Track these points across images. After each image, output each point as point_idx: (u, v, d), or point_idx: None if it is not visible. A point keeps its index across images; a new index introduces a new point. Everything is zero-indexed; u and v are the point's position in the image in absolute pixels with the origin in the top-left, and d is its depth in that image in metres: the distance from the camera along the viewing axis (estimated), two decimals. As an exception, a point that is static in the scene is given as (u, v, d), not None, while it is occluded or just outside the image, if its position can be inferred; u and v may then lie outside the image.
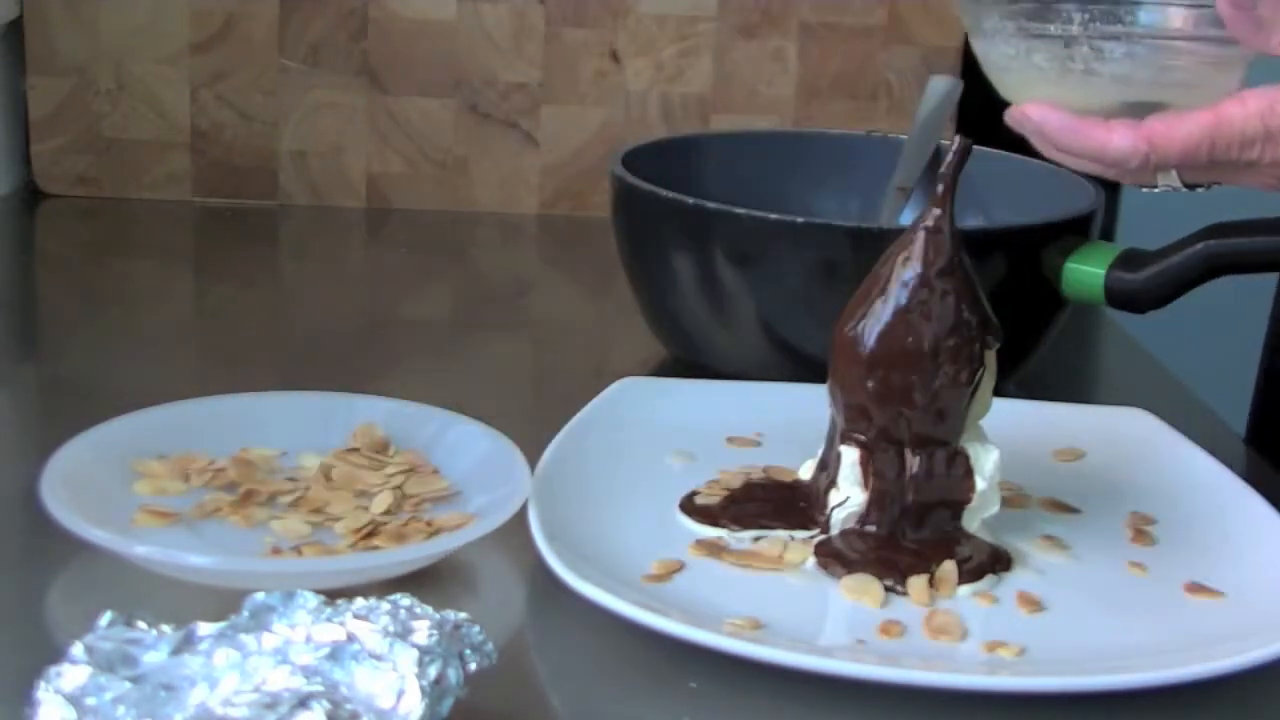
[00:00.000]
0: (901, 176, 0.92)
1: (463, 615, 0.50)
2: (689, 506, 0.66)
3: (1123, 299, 0.77)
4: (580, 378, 0.85)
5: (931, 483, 0.63)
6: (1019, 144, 0.91)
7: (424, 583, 0.59)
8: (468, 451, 0.67)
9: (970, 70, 1.14)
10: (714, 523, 0.65)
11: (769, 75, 1.18)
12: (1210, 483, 0.70)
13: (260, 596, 0.49)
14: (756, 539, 0.64)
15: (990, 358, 0.63)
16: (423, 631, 0.48)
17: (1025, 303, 0.80)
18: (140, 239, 1.13)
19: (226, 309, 1.00)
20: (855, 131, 1.00)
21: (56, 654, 0.46)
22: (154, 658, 0.47)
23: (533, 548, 0.59)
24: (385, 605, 0.49)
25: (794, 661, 0.54)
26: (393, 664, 0.47)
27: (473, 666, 0.49)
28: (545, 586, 0.59)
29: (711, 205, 0.79)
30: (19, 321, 0.97)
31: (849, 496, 0.63)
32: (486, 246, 1.16)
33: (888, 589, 0.60)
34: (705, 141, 1.00)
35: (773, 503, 0.66)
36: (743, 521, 0.65)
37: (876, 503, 0.63)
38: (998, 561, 0.63)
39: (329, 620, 0.48)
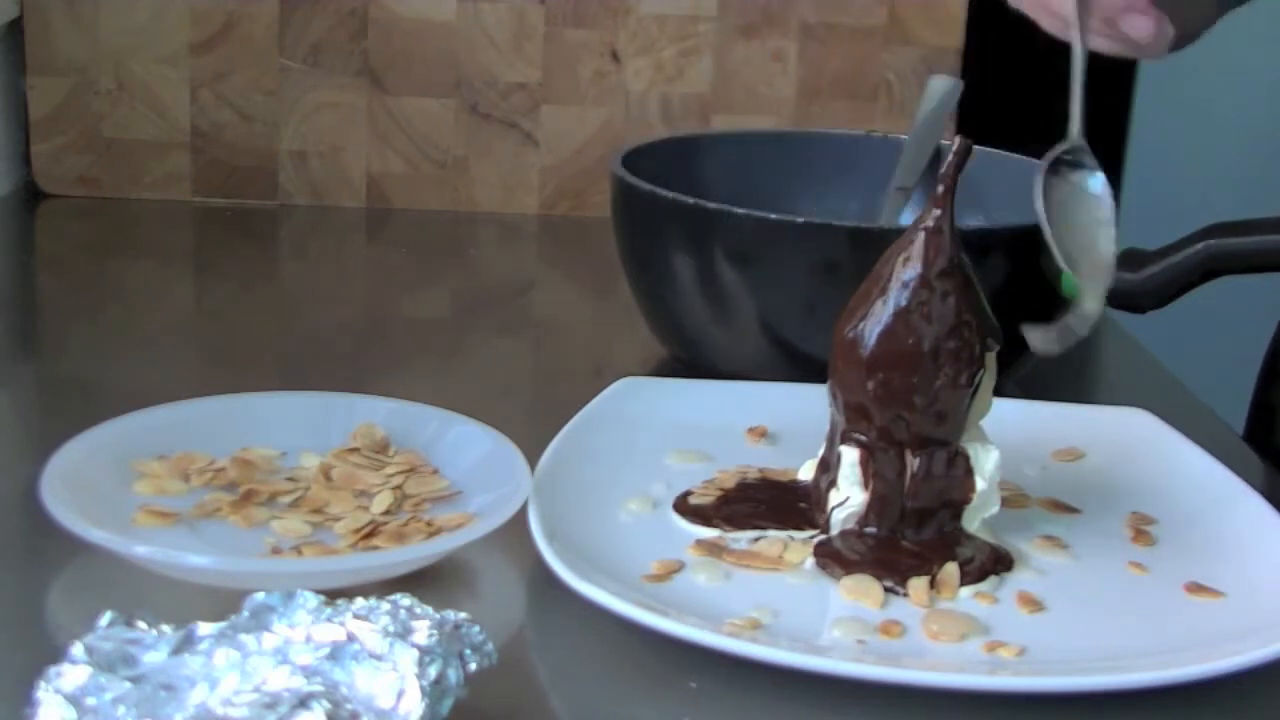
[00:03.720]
0: (901, 177, 0.92)
1: (463, 615, 0.50)
2: (683, 506, 0.66)
3: (1123, 299, 0.77)
4: (580, 378, 0.85)
5: (932, 483, 0.63)
6: (1019, 144, 0.92)
7: (424, 583, 0.59)
8: (468, 451, 0.67)
9: (970, 70, 1.14)
10: (707, 523, 0.65)
11: (769, 75, 1.18)
12: (1210, 483, 0.70)
13: (260, 596, 0.49)
14: (756, 539, 0.64)
15: (990, 359, 0.63)
16: (423, 631, 0.48)
17: (1025, 303, 0.80)
18: (140, 239, 1.13)
19: (226, 309, 1.00)
20: (855, 131, 1.00)
21: (56, 654, 0.46)
22: (154, 658, 0.47)
23: (533, 548, 0.59)
24: (385, 605, 0.49)
25: (794, 661, 0.54)
26: (393, 664, 0.47)
27: (473, 666, 0.49)
28: (545, 586, 0.59)
29: (711, 205, 0.78)
30: (19, 321, 0.97)
31: (849, 497, 0.63)
32: (486, 246, 1.16)
33: (887, 590, 0.60)
34: (705, 141, 1.00)
35: (766, 503, 0.66)
36: (736, 522, 0.65)
37: (877, 503, 0.63)
38: (999, 562, 0.63)
39: (329, 620, 0.48)
